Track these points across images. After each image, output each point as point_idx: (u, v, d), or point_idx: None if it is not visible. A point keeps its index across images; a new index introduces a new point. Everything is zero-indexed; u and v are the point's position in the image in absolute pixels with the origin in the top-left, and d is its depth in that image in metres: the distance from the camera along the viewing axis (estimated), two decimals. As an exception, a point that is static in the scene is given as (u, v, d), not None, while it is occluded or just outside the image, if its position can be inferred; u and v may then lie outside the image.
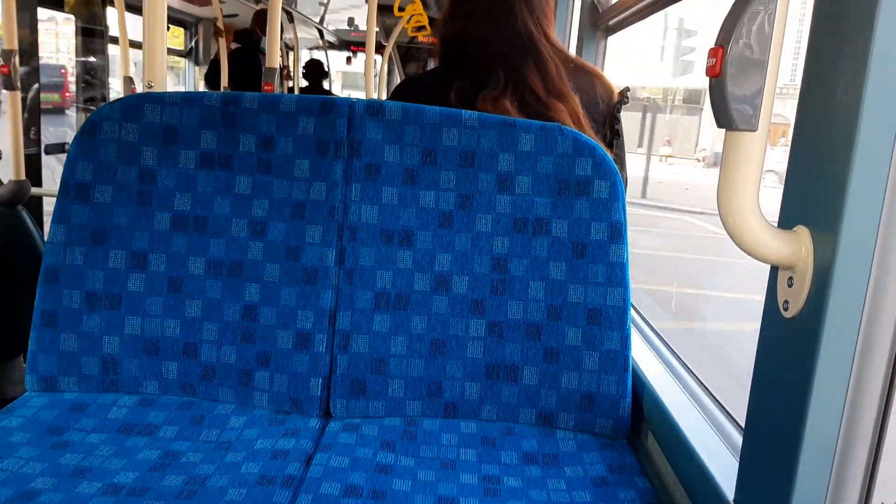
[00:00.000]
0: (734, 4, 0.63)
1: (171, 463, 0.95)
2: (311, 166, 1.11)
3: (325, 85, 5.90)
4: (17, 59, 2.15)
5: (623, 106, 1.31)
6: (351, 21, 7.63)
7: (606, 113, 1.29)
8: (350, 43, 8.95)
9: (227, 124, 1.11)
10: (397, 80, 7.94)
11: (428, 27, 4.83)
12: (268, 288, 1.11)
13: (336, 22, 7.55)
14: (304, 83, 5.83)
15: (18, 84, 2.17)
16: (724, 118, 0.64)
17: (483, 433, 1.08)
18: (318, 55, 7.70)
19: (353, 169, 1.10)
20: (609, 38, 2.14)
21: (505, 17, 1.26)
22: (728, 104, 0.63)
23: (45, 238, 2.20)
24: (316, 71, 5.72)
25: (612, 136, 1.29)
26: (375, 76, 5.34)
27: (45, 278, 1.09)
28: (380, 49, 5.97)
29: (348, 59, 9.56)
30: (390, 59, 7.08)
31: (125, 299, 1.10)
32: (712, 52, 0.64)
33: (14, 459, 0.92)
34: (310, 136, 1.10)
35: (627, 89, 1.31)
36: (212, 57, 4.91)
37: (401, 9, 4.34)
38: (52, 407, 1.06)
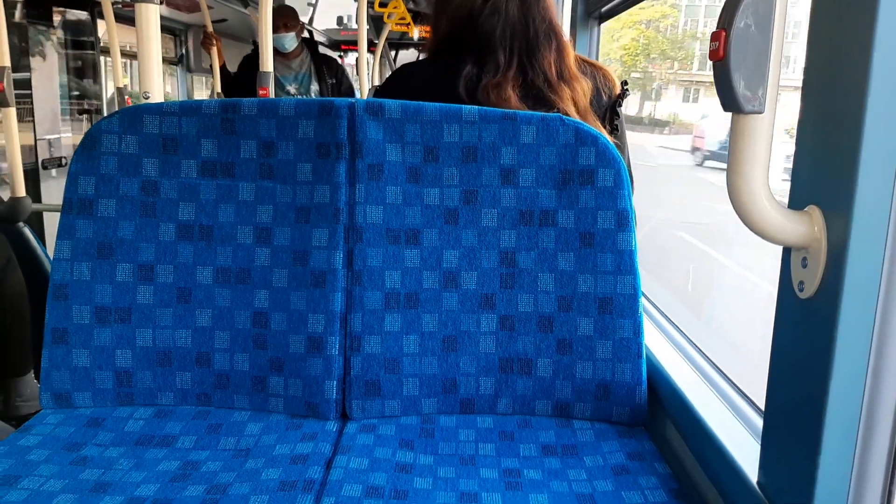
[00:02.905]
0: None
1: (192, 473, 0.95)
2: (314, 169, 1.10)
3: None
4: (10, 75, 2.14)
5: (623, 100, 1.31)
6: (340, 20, 7.59)
7: (608, 106, 1.28)
8: (340, 42, 8.91)
9: (227, 131, 1.10)
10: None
11: (412, 23, 4.77)
12: (277, 293, 1.11)
13: (325, 21, 7.52)
14: None
15: (13, 100, 2.17)
16: (730, 101, 0.64)
17: (500, 427, 1.08)
18: None
19: (356, 170, 1.09)
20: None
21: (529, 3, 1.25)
22: (733, 87, 0.63)
23: (49, 253, 2.21)
24: None
25: (612, 130, 1.29)
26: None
27: (54, 295, 1.09)
28: (371, 47, 5.95)
29: (340, 59, 9.53)
30: (382, 56, 7.05)
31: (135, 312, 1.10)
32: (714, 36, 0.63)
33: (35, 478, 0.92)
34: (310, 139, 1.10)
35: (626, 83, 1.31)
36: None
37: (382, 4, 4.26)
38: (69, 423, 1.06)
